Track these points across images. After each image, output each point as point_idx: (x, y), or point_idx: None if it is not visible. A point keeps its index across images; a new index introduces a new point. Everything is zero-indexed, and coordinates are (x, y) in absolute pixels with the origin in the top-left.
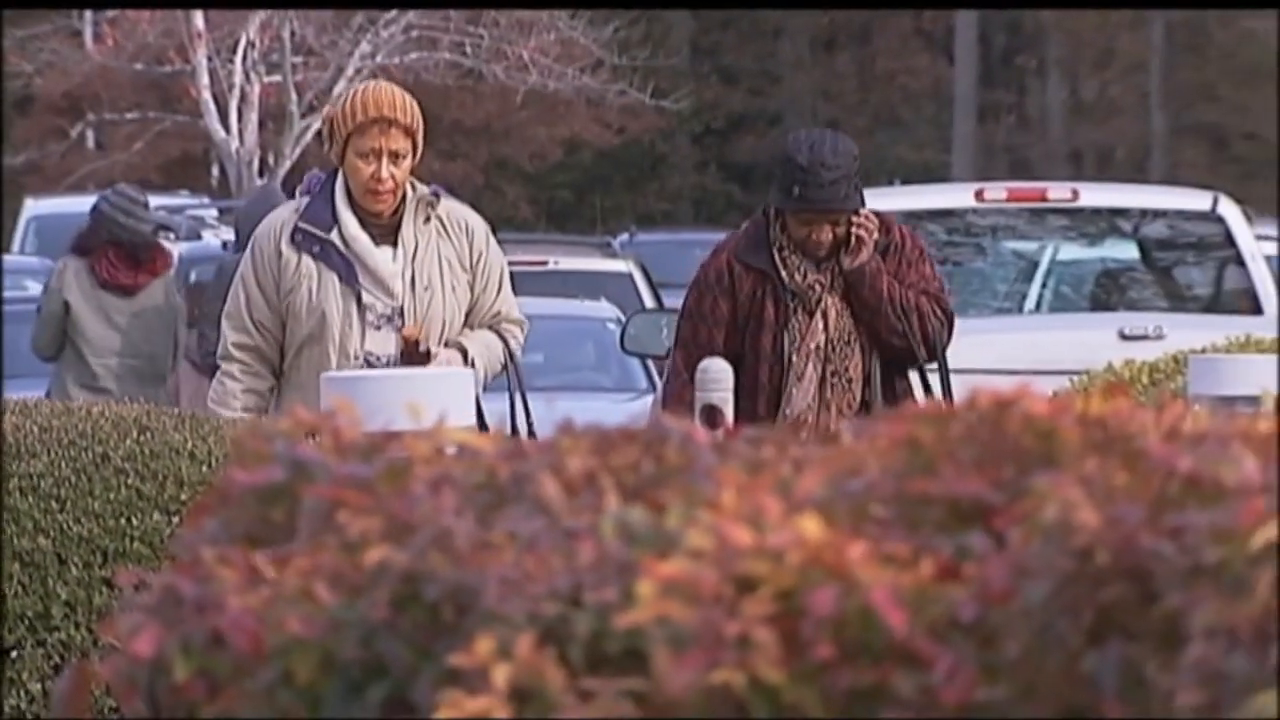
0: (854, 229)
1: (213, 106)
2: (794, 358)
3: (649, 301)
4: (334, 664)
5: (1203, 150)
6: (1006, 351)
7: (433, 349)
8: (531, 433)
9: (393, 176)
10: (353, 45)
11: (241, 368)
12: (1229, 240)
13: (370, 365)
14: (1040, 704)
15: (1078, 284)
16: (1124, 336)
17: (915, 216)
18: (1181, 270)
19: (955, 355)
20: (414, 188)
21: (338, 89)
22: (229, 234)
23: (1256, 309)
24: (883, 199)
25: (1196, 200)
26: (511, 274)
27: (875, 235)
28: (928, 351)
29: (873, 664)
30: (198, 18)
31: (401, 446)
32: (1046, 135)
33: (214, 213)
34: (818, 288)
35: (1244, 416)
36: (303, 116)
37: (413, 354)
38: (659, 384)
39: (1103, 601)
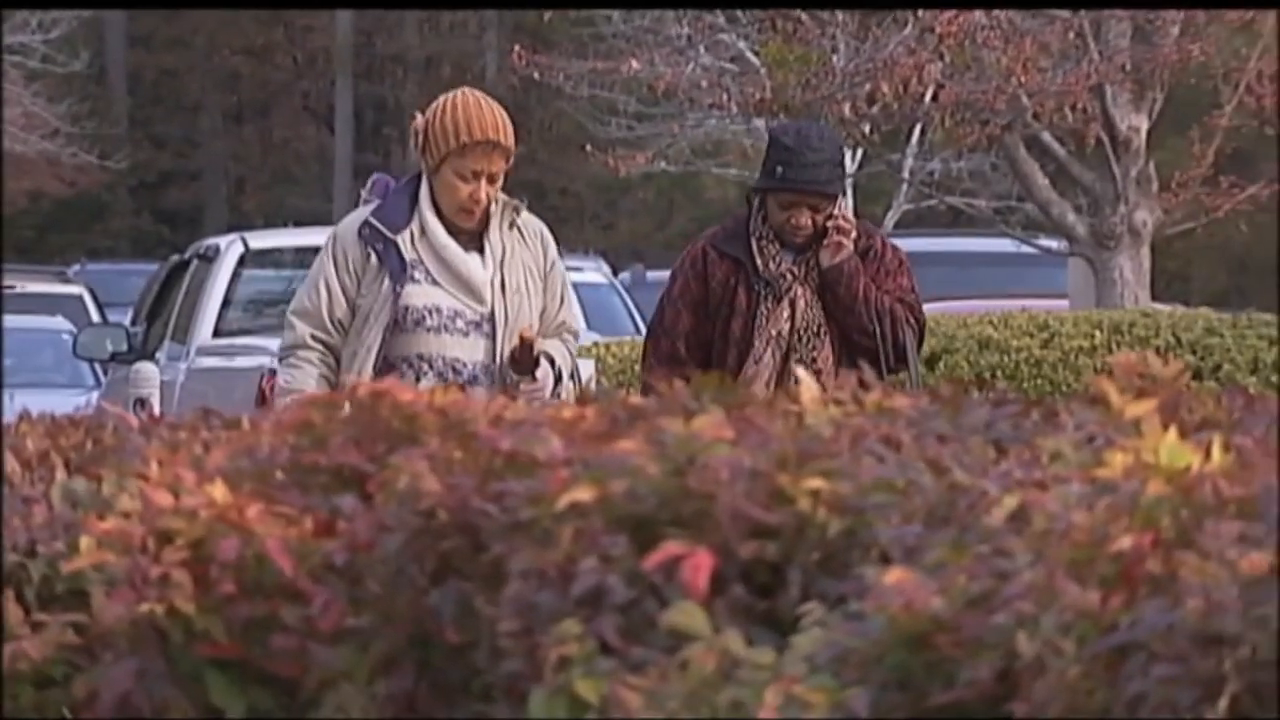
0: (832, 225)
1: None
2: (756, 342)
3: (96, 317)
4: None
5: (529, 200)
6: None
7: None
8: None
9: (487, 195)
10: None
11: (320, 355)
12: None
13: (457, 373)
14: (396, 630)
15: None
16: None
17: (305, 251)
18: None
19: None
20: (498, 196)
21: None
22: None
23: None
24: (279, 238)
25: None
26: None
27: (854, 234)
28: (895, 357)
29: (266, 599)
30: None
31: None
32: None
33: None
34: (789, 277)
35: (552, 406)
36: None
37: (524, 357)
38: (103, 382)
39: (443, 550)
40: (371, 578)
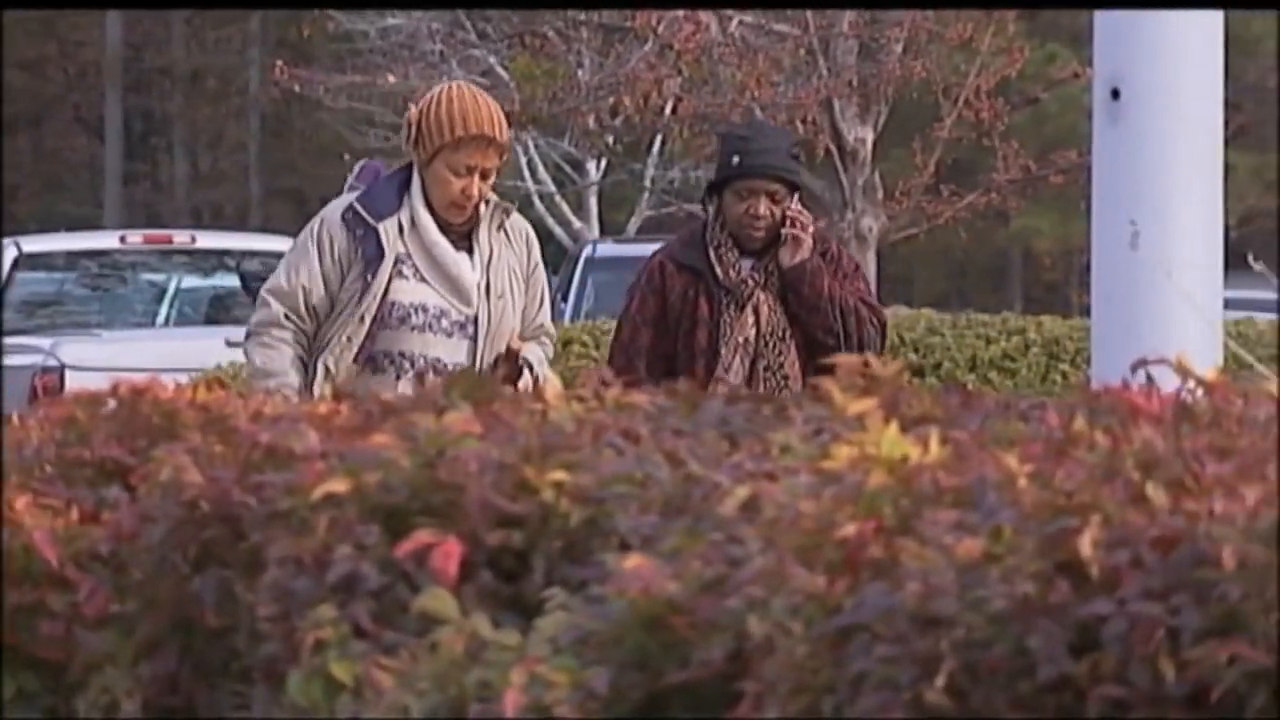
0: (789, 221)
1: None
2: (722, 350)
3: None
4: None
5: (289, 208)
6: (143, 354)
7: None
8: None
9: (479, 191)
10: None
11: (294, 335)
12: None
13: (437, 373)
14: (159, 615)
15: (196, 305)
16: (229, 344)
17: (75, 255)
18: None
19: (109, 358)
20: (489, 195)
21: None
22: None
23: None
24: (51, 243)
25: (283, 244)
26: None
27: (811, 230)
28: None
29: (33, 587)
30: None
31: None
32: (174, 196)
33: None
34: (750, 283)
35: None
36: None
37: (511, 370)
38: None
39: (204, 539)
40: (135, 566)
